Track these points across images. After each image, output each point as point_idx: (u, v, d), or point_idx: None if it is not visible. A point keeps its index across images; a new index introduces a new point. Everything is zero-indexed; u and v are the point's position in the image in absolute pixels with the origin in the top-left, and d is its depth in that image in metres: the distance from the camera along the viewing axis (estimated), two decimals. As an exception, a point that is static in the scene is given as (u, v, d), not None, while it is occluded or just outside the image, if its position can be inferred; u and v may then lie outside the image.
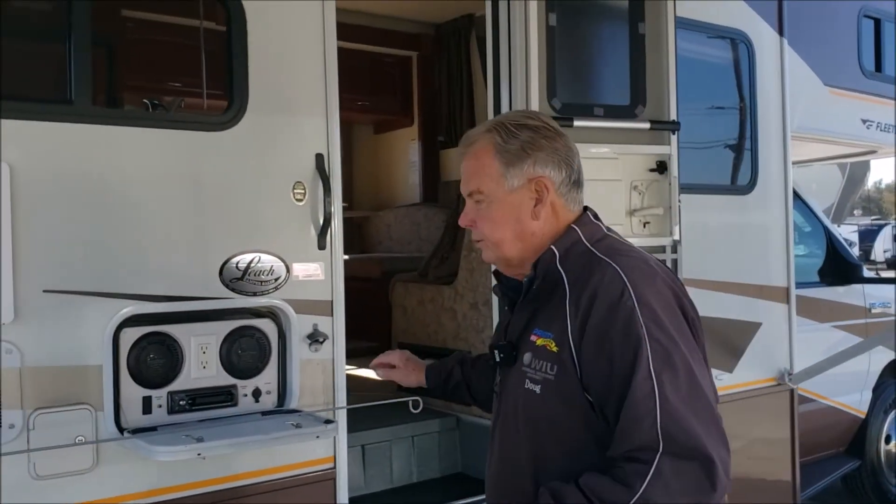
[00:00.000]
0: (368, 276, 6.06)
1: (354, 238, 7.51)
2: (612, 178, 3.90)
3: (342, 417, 3.30)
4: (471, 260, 4.31)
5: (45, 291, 2.69)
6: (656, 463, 1.64)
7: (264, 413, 3.09)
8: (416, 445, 4.15)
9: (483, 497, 2.22)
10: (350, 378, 5.44)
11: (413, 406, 2.76)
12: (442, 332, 4.48)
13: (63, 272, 2.73)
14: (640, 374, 1.71)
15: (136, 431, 2.83)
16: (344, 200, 7.29)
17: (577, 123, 3.77)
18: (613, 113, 3.94)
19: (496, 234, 1.97)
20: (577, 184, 2.02)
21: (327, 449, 3.29)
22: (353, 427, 3.76)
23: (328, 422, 2.98)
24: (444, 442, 4.27)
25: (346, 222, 7.50)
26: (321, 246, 3.24)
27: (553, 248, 1.93)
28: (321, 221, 3.22)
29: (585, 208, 2.06)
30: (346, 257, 6.75)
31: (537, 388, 1.87)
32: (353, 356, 5.99)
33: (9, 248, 2.61)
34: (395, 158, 7.31)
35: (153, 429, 2.86)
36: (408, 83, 7.01)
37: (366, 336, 5.97)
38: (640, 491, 1.63)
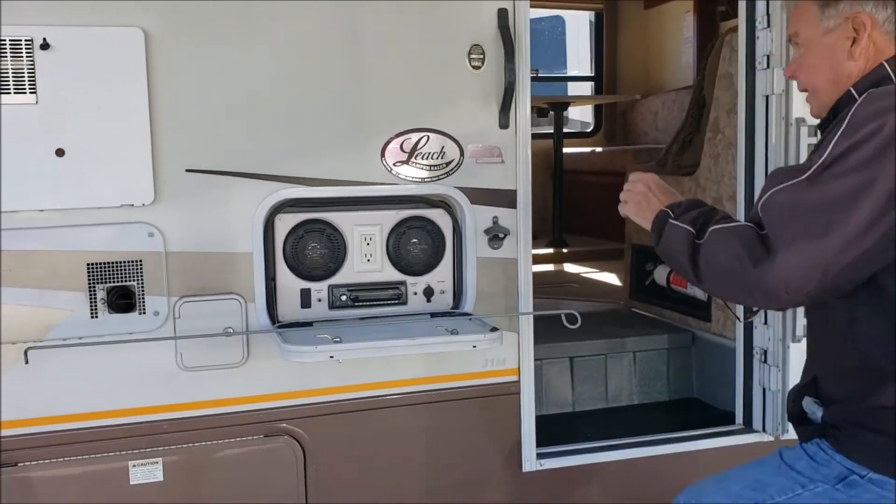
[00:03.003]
0: (622, 170, 5.38)
1: (617, 127, 6.85)
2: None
3: (527, 326, 2.83)
4: (715, 144, 3.50)
5: (187, 171, 2.49)
6: (740, 223, 1.72)
7: (433, 314, 2.73)
8: (638, 362, 3.56)
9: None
10: (584, 282, 4.96)
11: (569, 321, 2.26)
12: (682, 233, 3.77)
13: (207, 150, 2.51)
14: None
15: (291, 326, 2.61)
16: (608, 85, 6.86)
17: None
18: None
19: (812, 81, 1.89)
20: None
21: (512, 359, 2.85)
22: (560, 336, 3.29)
23: (493, 330, 2.53)
24: (675, 361, 3.63)
25: (608, 109, 6.96)
26: (503, 124, 2.72)
27: (851, 89, 1.78)
28: (503, 94, 2.68)
29: None
30: (600, 150, 6.27)
31: None
32: (592, 259, 5.49)
33: (146, 122, 2.42)
34: (667, 35, 6.43)
35: (309, 324, 2.63)
36: (684, -57, 6.06)
37: (611, 237, 5.38)
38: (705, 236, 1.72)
